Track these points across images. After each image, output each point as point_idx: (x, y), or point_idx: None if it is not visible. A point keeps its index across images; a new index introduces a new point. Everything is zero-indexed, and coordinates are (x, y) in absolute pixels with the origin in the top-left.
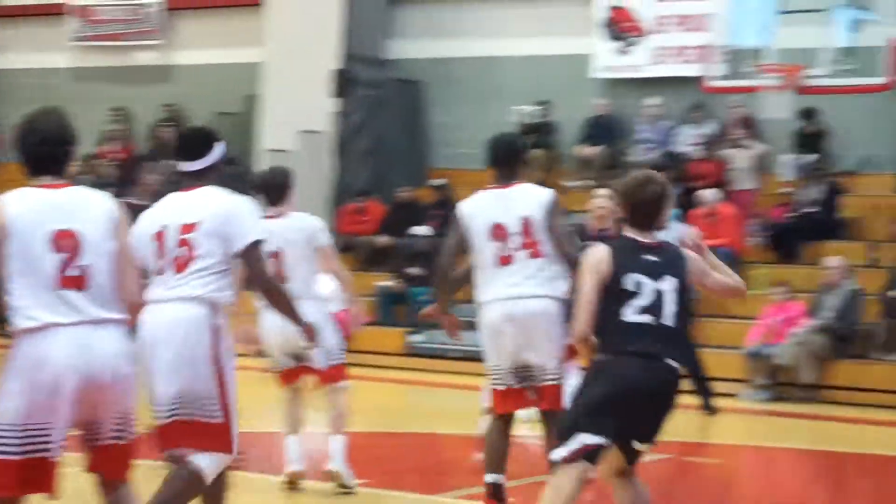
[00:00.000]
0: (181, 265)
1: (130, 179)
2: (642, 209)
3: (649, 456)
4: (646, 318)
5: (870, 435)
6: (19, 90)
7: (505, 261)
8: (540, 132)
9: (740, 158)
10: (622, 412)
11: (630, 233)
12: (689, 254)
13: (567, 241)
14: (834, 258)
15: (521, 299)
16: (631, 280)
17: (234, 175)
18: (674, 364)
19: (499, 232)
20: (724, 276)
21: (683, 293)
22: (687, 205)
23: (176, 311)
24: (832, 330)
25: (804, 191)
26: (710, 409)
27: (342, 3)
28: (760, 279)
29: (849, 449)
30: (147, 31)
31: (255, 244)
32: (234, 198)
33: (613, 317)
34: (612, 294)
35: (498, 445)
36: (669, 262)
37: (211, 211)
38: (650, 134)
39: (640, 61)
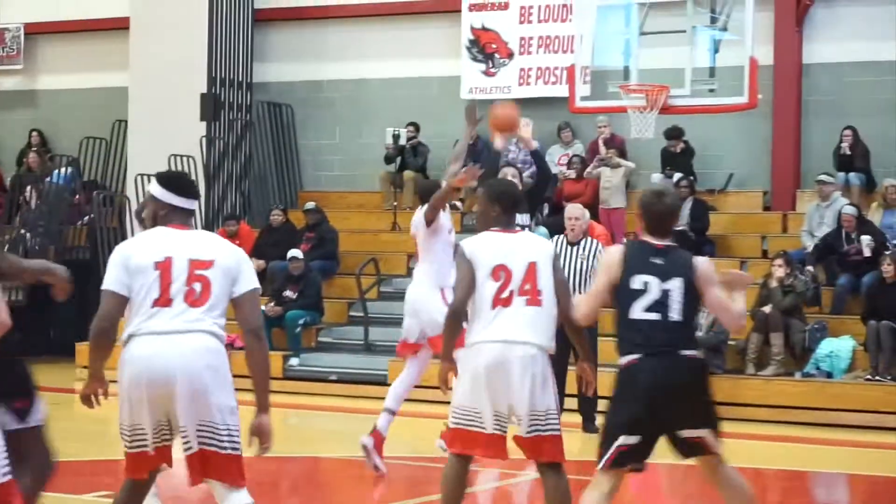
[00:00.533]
0: (197, 299)
1: None
2: (656, 218)
3: (524, 475)
4: (653, 316)
5: (744, 449)
6: None
7: (503, 303)
8: (411, 154)
9: (608, 178)
10: (654, 411)
11: (645, 237)
12: (699, 259)
13: (565, 292)
14: None
15: (515, 344)
16: (639, 280)
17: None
18: (688, 353)
19: (501, 273)
20: (729, 300)
21: (691, 292)
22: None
23: (199, 342)
24: (703, 345)
25: None
26: (591, 429)
27: (208, 27)
28: None
29: None
30: (8, 56)
31: (256, 291)
32: (233, 244)
33: (625, 315)
34: (624, 293)
35: (454, 487)
36: (676, 263)
37: (224, 252)
38: (520, 154)
39: (506, 82)
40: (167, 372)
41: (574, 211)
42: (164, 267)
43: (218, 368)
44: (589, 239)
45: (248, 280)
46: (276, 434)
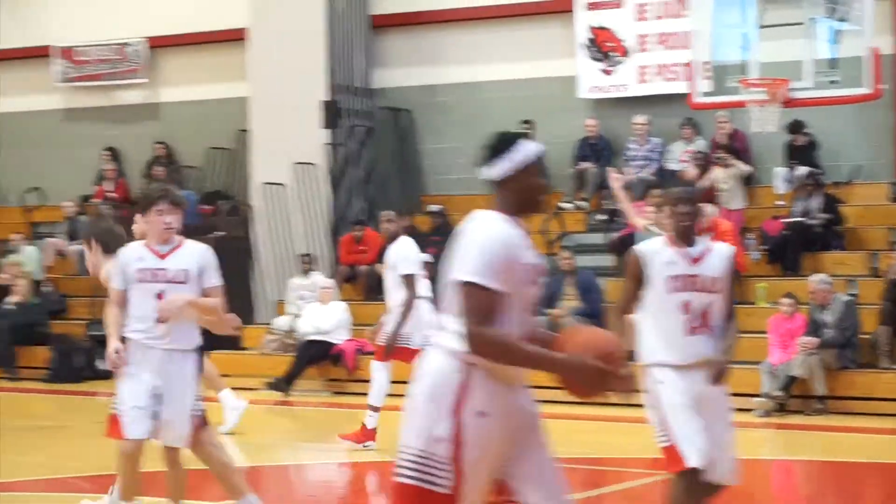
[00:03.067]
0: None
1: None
2: None
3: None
4: None
5: (880, 444)
6: (9, 133)
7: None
8: None
9: (726, 177)
10: None
11: None
12: None
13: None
14: (818, 275)
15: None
16: None
17: (231, 209)
18: None
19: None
20: None
21: None
22: None
23: None
24: (834, 343)
25: (799, 203)
26: None
27: (326, 34)
28: (761, 293)
29: (860, 459)
30: (131, 70)
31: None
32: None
33: None
34: None
35: None
36: None
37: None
38: (640, 152)
39: (625, 80)
40: None
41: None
42: None
43: None
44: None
45: None
46: None
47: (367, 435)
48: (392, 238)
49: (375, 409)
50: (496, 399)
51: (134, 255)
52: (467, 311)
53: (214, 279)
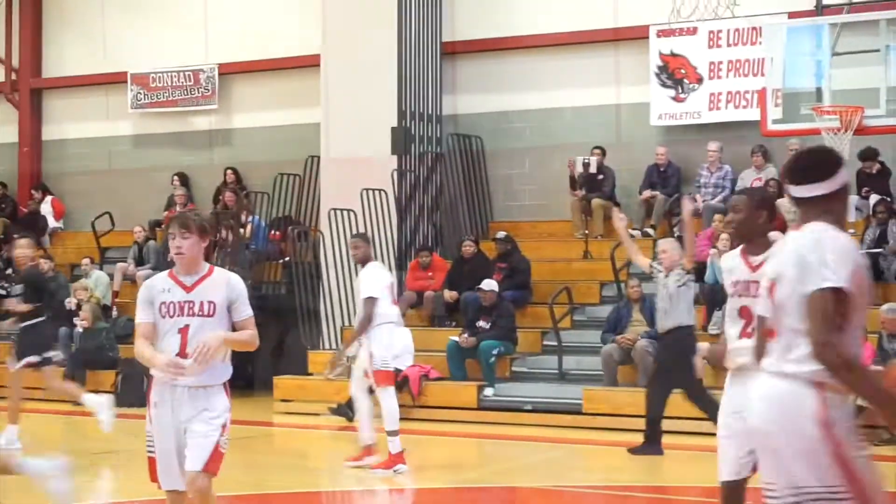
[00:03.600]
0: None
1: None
2: None
3: None
4: None
5: None
6: (82, 159)
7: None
8: (598, 180)
9: (789, 207)
10: None
11: None
12: None
13: None
14: (888, 304)
15: None
16: None
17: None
18: None
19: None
20: None
21: None
22: None
23: None
24: None
25: (869, 231)
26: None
27: (397, 61)
28: None
29: None
30: (203, 97)
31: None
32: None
33: None
34: None
35: None
36: None
37: (790, 254)
38: (712, 179)
39: (696, 108)
40: None
41: (663, 244)
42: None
43: None
44: (679, 269)
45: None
46: (472, 465)
47: (394, 460)
48: (362, 263)
49: (393, 434)
50: (850, 422)
51: (159, 286)
52: (820, 317)
53: (246, 311)
